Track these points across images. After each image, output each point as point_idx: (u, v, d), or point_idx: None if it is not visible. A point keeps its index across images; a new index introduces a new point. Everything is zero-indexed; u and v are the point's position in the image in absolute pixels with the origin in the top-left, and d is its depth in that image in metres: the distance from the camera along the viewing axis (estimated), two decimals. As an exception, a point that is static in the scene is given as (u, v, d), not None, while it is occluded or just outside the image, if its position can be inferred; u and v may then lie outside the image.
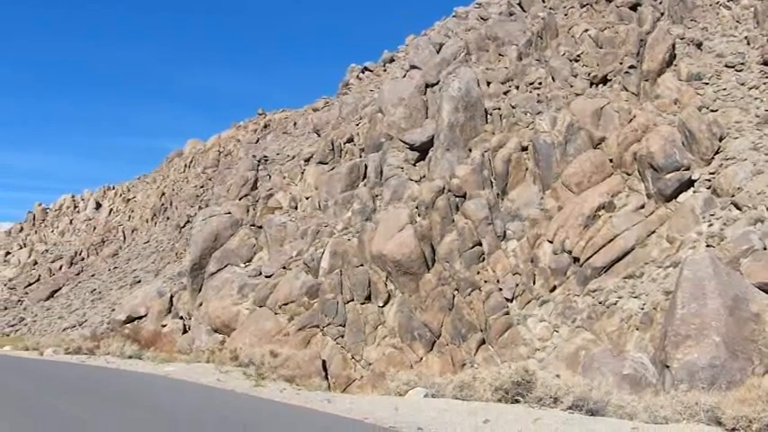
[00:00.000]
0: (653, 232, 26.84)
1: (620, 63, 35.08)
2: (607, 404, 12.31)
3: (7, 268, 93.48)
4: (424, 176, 33.32)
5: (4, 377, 19.91)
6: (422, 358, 27.43)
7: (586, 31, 38.96)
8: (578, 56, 37.26)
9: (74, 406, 13.82)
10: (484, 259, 28.83)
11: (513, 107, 34.38)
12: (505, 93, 36.43)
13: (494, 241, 29.06)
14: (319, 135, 48.54)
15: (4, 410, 13.54)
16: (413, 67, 44.95)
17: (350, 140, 41.27)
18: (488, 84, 36.80)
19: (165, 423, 12.28)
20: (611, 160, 29.84)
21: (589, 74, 35.72)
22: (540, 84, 36.33)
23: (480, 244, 28.97)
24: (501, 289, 27.81)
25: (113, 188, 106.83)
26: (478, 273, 28.46)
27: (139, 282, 59.42)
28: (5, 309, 75.38)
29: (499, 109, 34.57)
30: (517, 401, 12.97)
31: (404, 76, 45.17)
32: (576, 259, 27.17)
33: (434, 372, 24.15)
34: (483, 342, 26.96)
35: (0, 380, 19.10)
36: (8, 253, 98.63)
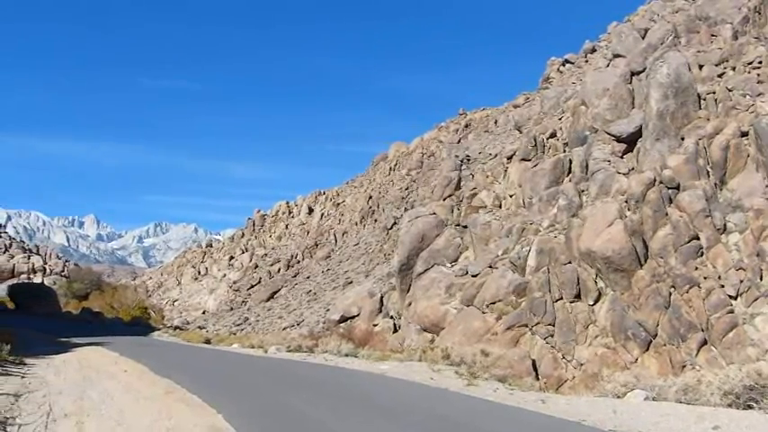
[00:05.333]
0: None
1: None
2: None
3: (232, 272, 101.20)
4: (633, 169, 31.91)
5: (251, 375, 21.25)
6: (637, 359, 26.23)
7: (813, 1, 35.53)
8: (804, 29, 34.05)
9: (316, 407, 14.54)
10: (702, 254, 27.05)
11: (730, 90, 32.02)
12: (720, 75, 34.00)
13: (713, 235, 27.21)
14: (521, 131, 48.03)
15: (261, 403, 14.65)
16: (616, 55, 43.27)
17: (553, 135, 40.47)
18: (700, 67, 34.55)
19: (401, 424, 12.75)
20: None
21: (818, 48, 32.54)
22: (759, 63, 33.54)
23: (698, 238, 27.22)
24: (723, 285, 25.94)
25: (324, 193, 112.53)
26: (696, 268, 26.74)
27: (351, 283, 61.72)
28: (231, 309, 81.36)
29: (714, 93, 32.32)
30: (750, 407, 12.09)
31: (607, 66, 43.58)
32: (809, 252, 24.83)
33: (651, 373, 23.09)
34: (704, 342, 25.30)
35: (249, 379, 20.40)
36: (232, 257, 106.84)
